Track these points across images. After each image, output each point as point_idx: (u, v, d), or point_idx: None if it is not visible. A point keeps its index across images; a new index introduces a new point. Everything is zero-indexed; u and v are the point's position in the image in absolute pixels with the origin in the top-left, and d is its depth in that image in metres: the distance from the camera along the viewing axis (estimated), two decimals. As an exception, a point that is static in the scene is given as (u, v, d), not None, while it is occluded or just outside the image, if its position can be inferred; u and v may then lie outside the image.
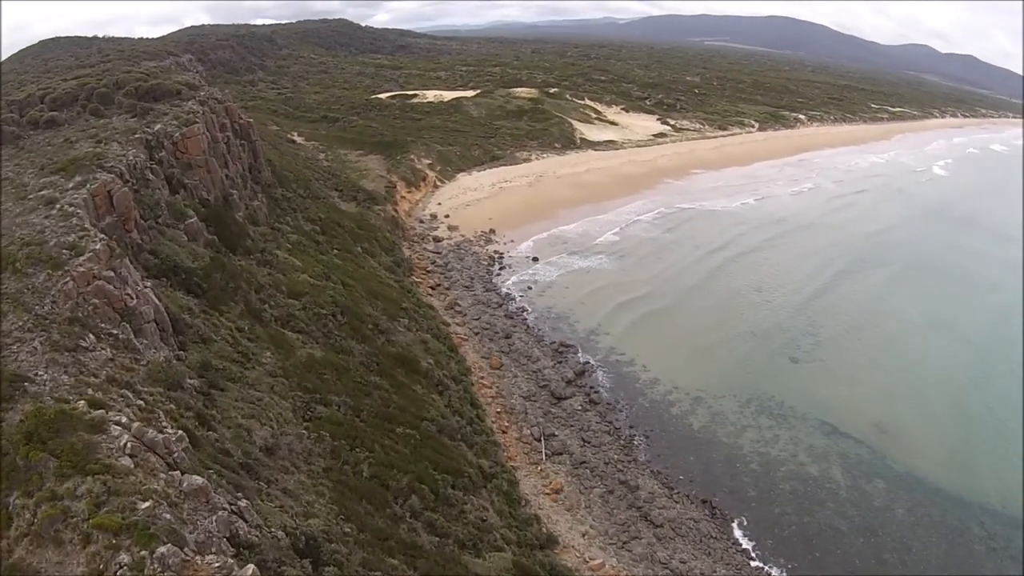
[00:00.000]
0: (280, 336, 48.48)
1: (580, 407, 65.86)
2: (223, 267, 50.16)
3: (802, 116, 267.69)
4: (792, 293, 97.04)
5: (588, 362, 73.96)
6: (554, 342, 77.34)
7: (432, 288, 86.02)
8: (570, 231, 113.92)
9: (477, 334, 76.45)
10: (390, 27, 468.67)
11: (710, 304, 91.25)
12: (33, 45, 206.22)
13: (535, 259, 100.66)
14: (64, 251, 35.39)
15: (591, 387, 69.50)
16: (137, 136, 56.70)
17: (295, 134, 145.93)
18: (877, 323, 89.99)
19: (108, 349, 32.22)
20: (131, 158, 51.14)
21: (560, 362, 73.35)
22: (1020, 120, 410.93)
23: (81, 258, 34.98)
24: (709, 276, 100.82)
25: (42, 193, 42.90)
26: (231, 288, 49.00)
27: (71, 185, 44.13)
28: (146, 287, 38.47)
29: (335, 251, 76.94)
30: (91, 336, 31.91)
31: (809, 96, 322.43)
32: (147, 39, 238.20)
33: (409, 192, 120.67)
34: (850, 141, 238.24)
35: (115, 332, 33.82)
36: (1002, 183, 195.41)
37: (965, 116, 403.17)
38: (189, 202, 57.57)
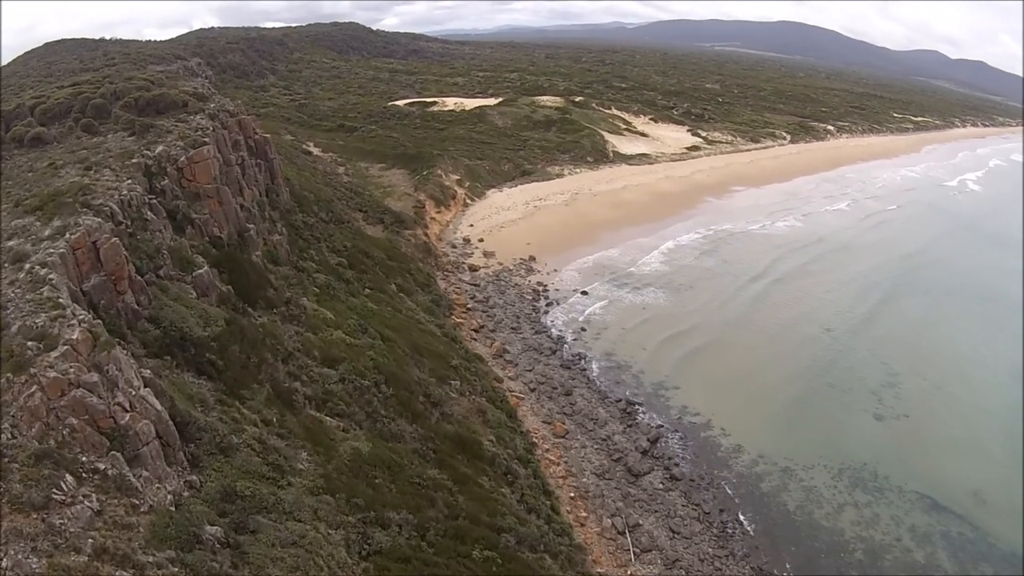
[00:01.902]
0: (317, 426, 37.69)
1: (661, 485, 56.14)
2: (242, 333, 39.29)
3: (831, 127, 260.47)
4: (850, 327, 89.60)
5: (662, 425, 63.94)
6: (619, 399, 67.27)
7: (476, 331, 75.57)
8: (615, 258, 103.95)
9: (534, 390, 66.32)
10: (401, 31, 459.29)
11: (774, 345, 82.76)
12: (39, 47, 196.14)
13: (584, 292, 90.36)
14: (30, 343, 25.06)
15: (669, 458, 59.58)
16: (134, 161, 46.22)
17: (311, 144, 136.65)
18: (940, 363, 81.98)
19: (94, 497, 22.19)
20: (125, 191, 40.59)
21: (630, 425, 63.37)
22: None
23: (53, 354, 24.67)
24: (767, 309, 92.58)
25: (10, 244, 32.52)
26: (253, 364, 38.22)
27: (48, 232, 33.70)
28: (143, 390, 27.58)
29: (367, 290, 66.82)
30: (68, 479, 21.93)
31: (831, 105, 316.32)
32: (155, 41, 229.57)
33: (439, 212, 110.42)
34: (882, 154, 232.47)
35: (102, 466, 23.45)
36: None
37: (985, 125, 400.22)
38: (197, 241, 47.10)
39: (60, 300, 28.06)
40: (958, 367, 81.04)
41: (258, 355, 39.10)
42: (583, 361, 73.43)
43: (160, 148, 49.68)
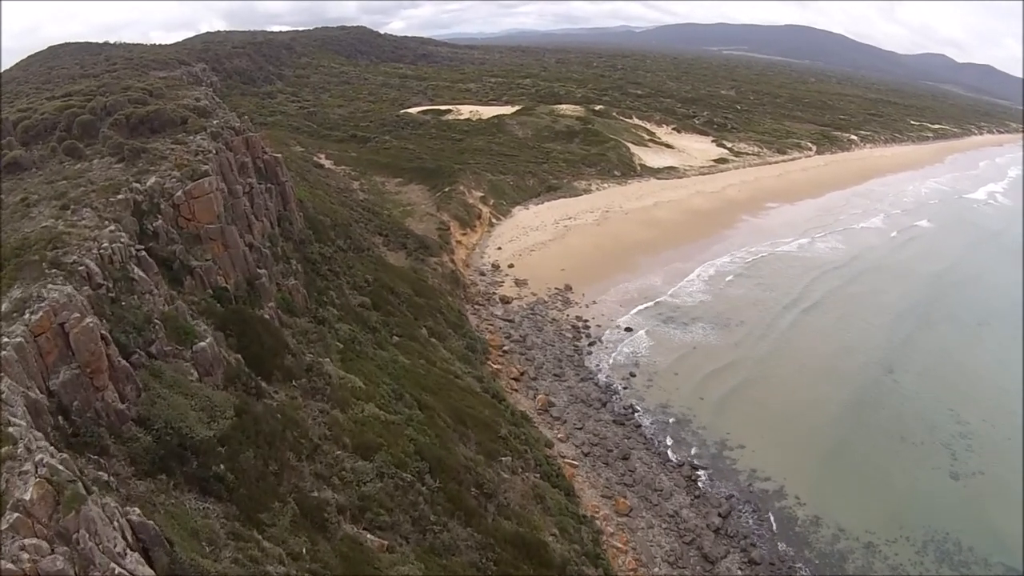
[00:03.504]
0: (356, 551, 29.25)
1: (740, 571, 48.61)
2: (257, 427, 30.72)
3: (854, 137, 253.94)
4: (911, 366, 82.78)
5: (732, 495, 56.08)
6: (682, 463, 59.34)
7: (516, 379, 67.19)
8: (655, 287, 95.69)
9: (587, 454, 58.06)
10: (408, 35, 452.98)
11: (837, 390, 75.18)
12: (42, 51, 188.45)
13: (628, 329, 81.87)
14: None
15: (744, 536, 51.82)
16: (121, 197, 37.81)
17: (322, 156, 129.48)
18: (1006, 407, 74.71)
19: None
20: (107, 243, 32.09)
21: (697, 497, 55.40)
22: None
23: (-2, 526, 16.14)
24: (821, 345, 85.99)
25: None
26: (272, 473, 29.72)
27: (4, 307, 25.27)
28: (129, 557, 19.05)
29: (396, 337, 58.36)
30: None
31: (849, 112, 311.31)
32: (160, 46, 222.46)
33: (464, 235, 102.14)
34: (908, 164, 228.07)
35: None
36: None
37: (1000, 132, 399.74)
38: (199, 295, 38.66)
39: (11, 427, 19.65)
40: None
41: (278, 457, 30.58)
42: (636, 415, 65.29)
43: (153, 180, 41.17)
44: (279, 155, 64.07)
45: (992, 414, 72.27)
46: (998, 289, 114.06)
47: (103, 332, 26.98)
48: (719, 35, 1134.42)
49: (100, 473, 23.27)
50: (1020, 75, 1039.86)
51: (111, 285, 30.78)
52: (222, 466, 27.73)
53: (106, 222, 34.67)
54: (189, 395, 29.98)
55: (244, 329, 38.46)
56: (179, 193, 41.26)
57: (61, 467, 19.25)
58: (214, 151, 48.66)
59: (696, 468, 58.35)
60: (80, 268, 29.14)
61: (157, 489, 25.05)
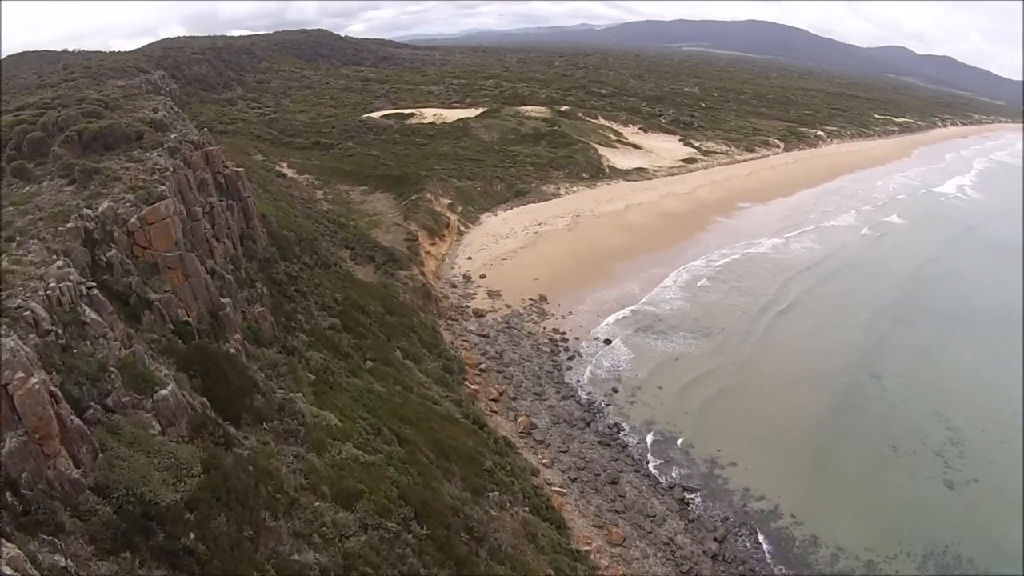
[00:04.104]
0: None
1: None
2: (227, 487, 27.75)
3: (821, 132, 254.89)
4: (898, 370, 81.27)
5: (727, 518, 53.96)
6: (672, 484, 57.05)
7: (495, 401, 64.46)
8: (632, 294, 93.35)
9: (575, 480, 55.40)
10: (368, 37, 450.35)
11: (827, 397, 73.68)
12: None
13: (606, 341, 79.40)
14: None
15: (743, 562, 49.83)
16: (71, 226, 34.54)
17: (284, 164, 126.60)
18: (993, 410, 73.60)
19: None
20: (54, 281, 29.02)
21: (691, 521, 53.12)
22: (1013, 125, 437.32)
23: None
24: (807, 351, 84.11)
25: None
26: (248, 539, 26.87)
27: (-61, 369, 22.33)
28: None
29: (369, 362, 55.55)
30: None
31: (813, 107, 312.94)
32: (119, 53, 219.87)
33: (433, 245, 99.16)
34: (876, 160, 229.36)
35: None
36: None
37: (964, 124, 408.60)
38: (158, 332, 35.55)
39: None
40: (1010, 412, 72.98)
41: (252, 519, 27.70)
42: (622, 434, 62.86)
43: (105, 204, 37.83)
44: (240, 169, 61.08)
45: (980, 417, 71.02)
46: (976, 286, 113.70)
47: (52, 388, 23.99)
48: (680, 32, 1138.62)
49: (57, 558, 20.47)
50: (980, 66, 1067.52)
51: (60, 331, 27.71)
52: (192, 535, 24.80)
53: (54, 256, 31.64)
54: (151, 453, 27.02)
55: (209, 368, 35.41)
56: (134, 219, 37.98)
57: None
58: (171, 168, 45.61)
59: (687, 490, 56.17)
60: (25, 314, 26.18)
61: (121, 570, 22.20)
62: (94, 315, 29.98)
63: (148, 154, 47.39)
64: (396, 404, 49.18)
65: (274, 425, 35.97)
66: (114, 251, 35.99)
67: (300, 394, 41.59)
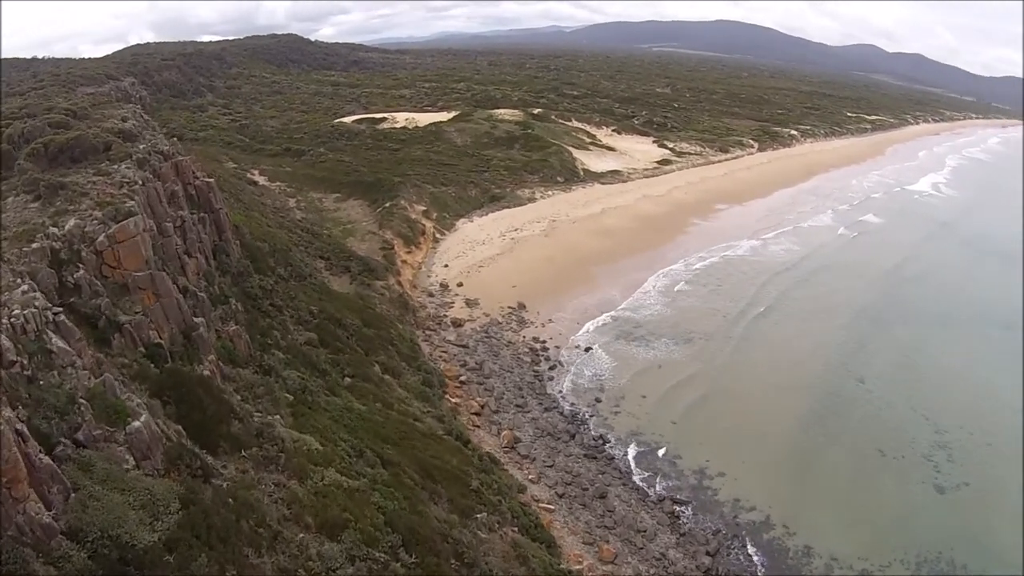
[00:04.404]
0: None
1: None
2: (207, 523, 26.22)
3: (794, 132, 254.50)
4: (880, 372, 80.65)
5: (719, 530, 52.77)
6: (662, 497, 55.74)
7: (477, 415, 62.88)
8: (612, 300, 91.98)
9: (562, 495, 53.90)
10: (339, 41, 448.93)
11: (812, 401, 72.65)
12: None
13: (587, 349, 78.06)
14: None
15: (737, 575, 48.65)
16: (36, 246, 33.01)
17: (256, 172, 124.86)
18: (978, 410, 73.07)
19: None
20: (19, 308, 27.37)
21: (683, 535, 52.01)
22: (984, 121, 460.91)
23: None
24: (790, 352, 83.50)
25: None
26: (230, 579, 25.48)
27: None
28: None
29: (347, 379, 54.13)
30: None
31: (785, 106, 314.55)
32: (89, 59, 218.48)
33: (409, 253, 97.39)
34: (850, 158, 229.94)
35: None
36: (999, 196, 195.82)
37: (936, 121, 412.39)
38: (129, 356, 33.93)
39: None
40: (996, 413, 72.77)
41: (235, 558, 26.22)
42: (608, 446, 61.50)
43: (72, 222, 36.21)
44: (212, 180, 59.52)
45: (966, 419, 70.41)
46: (954, 284, 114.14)
47: (19, 427, 22.49)
48: (650, 32, 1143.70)
49: (29, 614, 19.12)
50: (950, 63, 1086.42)
51: (26, 361, 26.15)
52: (171, 577, 23.45)
53: (19, 280, 30.02)
54: (126, 490, 25.45)
55: (183, 394, 33.81)
56: (101, 237, 36.28)
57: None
58: (140, 182, 44.02)
59: (677, 502, 54.97)
60: (-14, 348, 24.64)
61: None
62: (61, 343, 28.43)
63: (116, 166, 45.84)
64: (377, 423, 47.77)
65: (253, 452, 34.45)
66: (82, 272, 34.38)
67: (278, 416, 40.08)
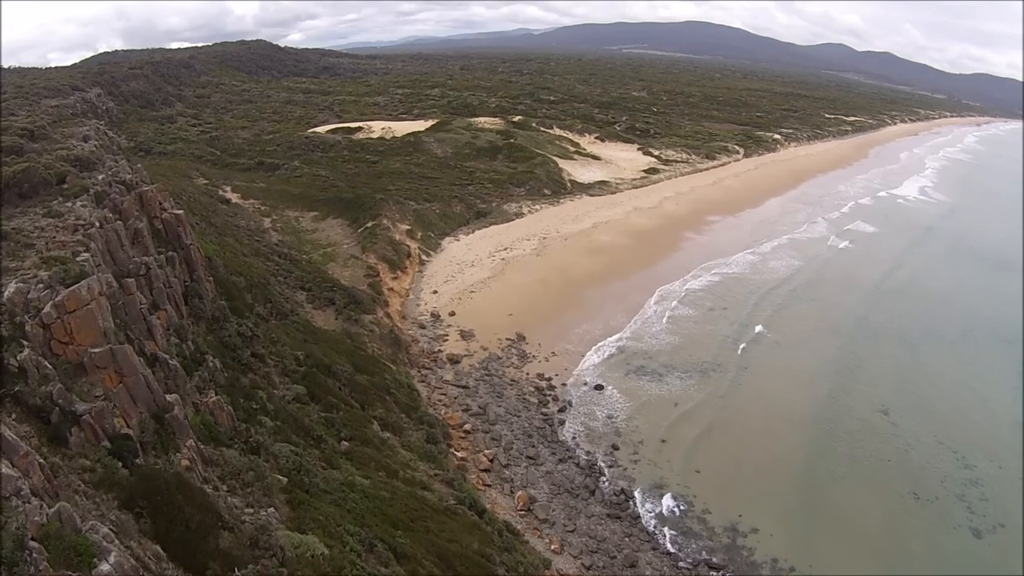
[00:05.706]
0: None
1: None
2: None
3: (777, 136, 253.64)
4: (907, 405, 75.69)
5: (763, 604, 47.14)
6: (696, 562, 50.16)
7: (486, 471, 56.73)
8: (614, 328, 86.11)
9: (590, 567, 47.94)
10: (308, 47, 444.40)
11: (840, 444, 67.44)
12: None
13: (598, 387, 72.07)
14: None
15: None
16: (-32, 321, 27.08)
17: (228, 189, 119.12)
18: (1005, 439, 69.69)
19: None
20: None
21: (722, 606, 46.34)
22: (959, 119, 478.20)
23: None
24: (809, 386, 77.84)
25: None
26: None
27: None
28: None
29: (344, 442, 47.97)
30: None
31: (763, 108, 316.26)
32: (56, 68, 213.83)
33: (395, 279, 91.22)
34: (835, 162, 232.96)
35: None
36: (985, 199, 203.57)
37: (913, 121, 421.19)
38: (91, 458, 27.37)
39: None
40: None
41: None
42: (631, 503, 55.66)
43: (12, 287, 29.70)
44: (180, 212, 53.45)
45: (994, 451, 67.19)
46: (949, 296, 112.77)
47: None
48: (618, 34, 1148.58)
49: None
50: (918, 60, 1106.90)
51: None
52: None
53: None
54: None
55: (159, 504, 27.37)
56: (48, 308, 29.63)
57: None
58: (98, 223, 37.99)
59: (713, 567, 49.67)
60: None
61: None
62: (6, 468, 22.24)
63: (71, 204, 40.06)
64: (384, 500, 41.63)
65: (248, 572, 28.15)
66: (27, 352, 27.85)
67: (273, 510, 33.83)
